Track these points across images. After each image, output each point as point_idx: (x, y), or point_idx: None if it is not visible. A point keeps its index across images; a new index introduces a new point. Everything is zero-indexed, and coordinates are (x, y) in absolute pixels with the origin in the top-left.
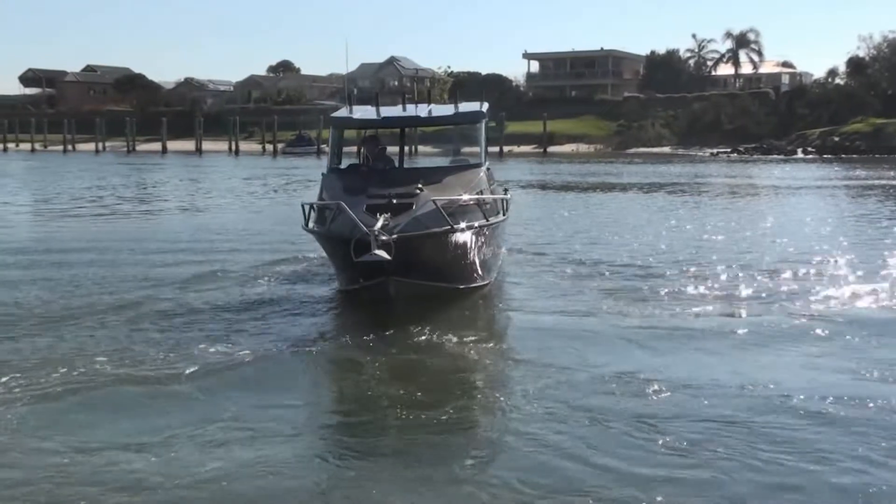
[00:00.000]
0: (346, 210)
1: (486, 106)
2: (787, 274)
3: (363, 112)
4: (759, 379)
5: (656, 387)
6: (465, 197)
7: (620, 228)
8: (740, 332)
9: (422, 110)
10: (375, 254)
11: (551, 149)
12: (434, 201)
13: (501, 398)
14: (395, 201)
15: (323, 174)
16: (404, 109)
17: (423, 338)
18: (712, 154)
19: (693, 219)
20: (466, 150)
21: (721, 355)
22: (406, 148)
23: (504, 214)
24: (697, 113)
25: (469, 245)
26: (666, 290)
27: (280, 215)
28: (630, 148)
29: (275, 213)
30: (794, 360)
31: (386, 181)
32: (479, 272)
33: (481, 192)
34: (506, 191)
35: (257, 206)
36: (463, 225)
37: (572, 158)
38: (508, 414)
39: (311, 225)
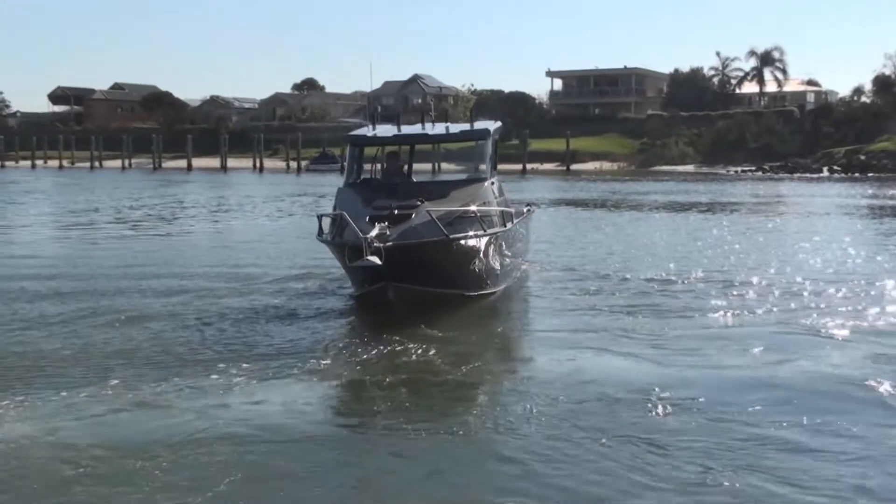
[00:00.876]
0: (347, 219)
1: (496, 124)
2: (827, 293)
3: (382, 130)
4: (772, 398)
5: (660, 405)
6: (460, 208)
7: (643, 245)
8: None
9: (430, 129)
10: (368, 259)
11: (574, 166)
12: (429, 212)
13: (498, 412)
14: (396, 212)
15: (339, 188)
16: (423, 128)
17: (423, 347)
18: (737, 172)
19: (720, 236)
20: (483, 167)
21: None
22: (431, 165)
23: (508, 225)
24: (722, 131)
25: (467, 253)
26: (691, 309)
27: (303, 228)
28: (653, 166)
29: (298, 227)
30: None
31: (392, 194)
32: (485, 280)
33: (484, 205)
34: (528, 206)
35: (280, 222)
36: (459, 234)
37: (595, 176)
38: (505, 426)
39: (324, 235)
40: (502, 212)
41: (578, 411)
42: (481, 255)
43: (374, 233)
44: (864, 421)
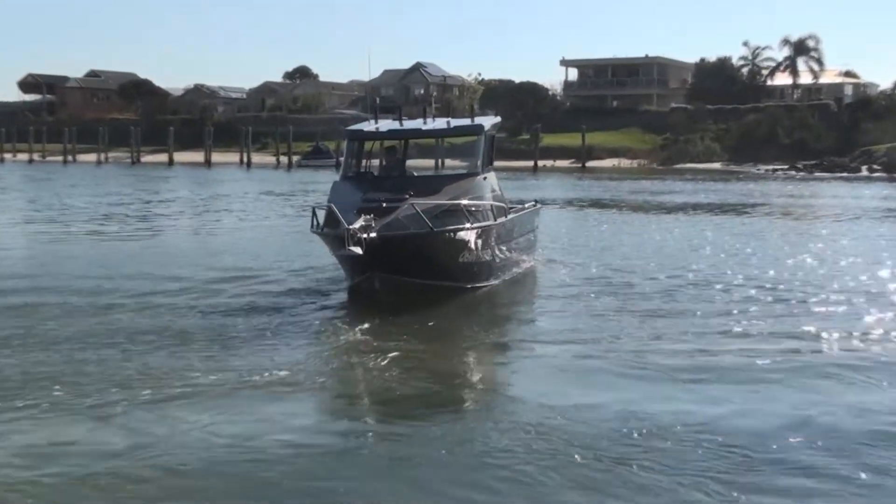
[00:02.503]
0: (334, 211)
1: (493, 120)
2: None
3: (383, 125)
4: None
5: (637, 424)
6: (448, 201)
7: (661, 250)
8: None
9: (428, 123)
10: (350, 249)
11: (590, 163)
12: (413, 205)
13: (488, 422)
14: (384, 205)
15: (335, 182)
16: (424, 122)
17: (408, 346)
18: (767, 171)
19: (749, 244)
20: (476, 161)
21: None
22: (434, 161)
23: (501, 220)
24: (751, 126)
25: (454, 246)
26: (718, 329)
27: (291, 231)
28: (677, 164)
29: (284, 229)
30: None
31: (384, 188)
32: (476, 273)
33: (475, 199)
34: (535, 203)
35: (267, 223)
36: (444, 227)
37: (613, 174)
38: (495, 437)
39: (315, 227)
40: (494, 206)
41: (567, 430)
42: (470, 248)
43: (357, 224)
44: None
